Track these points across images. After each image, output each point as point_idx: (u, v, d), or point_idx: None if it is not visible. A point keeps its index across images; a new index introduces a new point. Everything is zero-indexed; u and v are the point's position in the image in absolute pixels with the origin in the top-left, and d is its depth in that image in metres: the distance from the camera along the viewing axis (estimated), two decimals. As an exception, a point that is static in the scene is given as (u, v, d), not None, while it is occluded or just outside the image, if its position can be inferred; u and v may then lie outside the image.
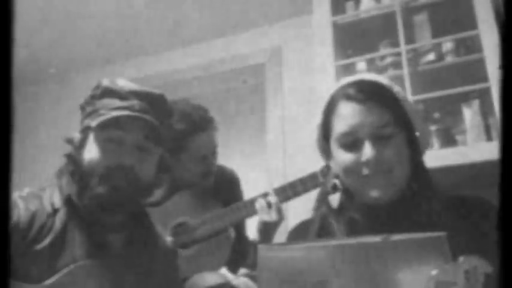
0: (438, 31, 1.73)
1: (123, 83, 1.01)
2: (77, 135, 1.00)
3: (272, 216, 1.34)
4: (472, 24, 1.62)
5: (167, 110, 1.07)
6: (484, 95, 1.60)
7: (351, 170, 0.79)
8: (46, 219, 0.92)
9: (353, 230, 0.80)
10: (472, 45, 1.69)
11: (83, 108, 1.03)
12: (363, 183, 0.79)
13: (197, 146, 1.49)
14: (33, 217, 0.91)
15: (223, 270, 1.32)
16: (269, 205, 1.36)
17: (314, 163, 1.31)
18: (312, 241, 0.81)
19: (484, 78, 1.55)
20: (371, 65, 1.84)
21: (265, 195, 1.39)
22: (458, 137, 1.68)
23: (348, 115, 0.79)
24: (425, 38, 1.75)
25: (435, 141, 1.68)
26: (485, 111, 1.63)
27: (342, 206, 0.83)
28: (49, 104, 3.06)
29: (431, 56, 1.75)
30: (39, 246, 0.89)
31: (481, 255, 0.45)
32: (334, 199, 0.84)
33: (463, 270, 0.44)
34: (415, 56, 1.77)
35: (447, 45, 1.73)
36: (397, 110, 0.80)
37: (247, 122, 3.54)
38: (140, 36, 2.63)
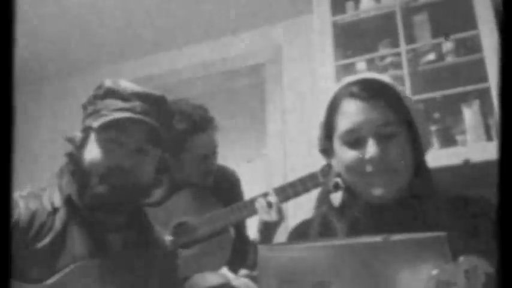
0: (438, 31, 1.73)
1: (126, 84, 1.02)
2: (78, 135, 1.01)
3: (272, 216, 1.34)
4: (472, 24, 1.62)
5: (168, 112, 1.07)
6: (484, 95, 1.60)
7: (354, 168, 0.79)
8: (46, 218, 0.93)
9: (355, 229, 0.80)
10: (472, 45, 1.69)
11: (84, 107, 1.04)
12: (365, 181, 0.78)
13: (197, 145, 1.49)
14: (33, 216, 0.91)
15: (224, 270, 1.32)
16: (269, 205, 1.35)
17: (314, 163, 1.31)
18: (313, 241, 0.81)
19: (484, 78, 1.56)
20: (371, 65, 1.84)
21: (265, 195, 1.39)
22: (458, 137, 1.68)
23: (351, 112, 0.80)
24: (425, 38, 1.75)
25: (435, 141, 1.68)
26: (485, 111, 1.63)
27: (343, 205, 0.82)
28: (49, 104, 3.06)
29: (431, 56, 1.75)
30: (39, 245, 0.89)
31: (482, 255, 0.45)
32: (336, 198, 0.83)
33: (463, 270, 0.44)
34: (415, 56, 1.78)
35: (447, 45, 1.73)
36: (401, 109, 0.80)
37: (247, 122, 3.54)
38: (140, 36, 2.63)
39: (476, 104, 1.64)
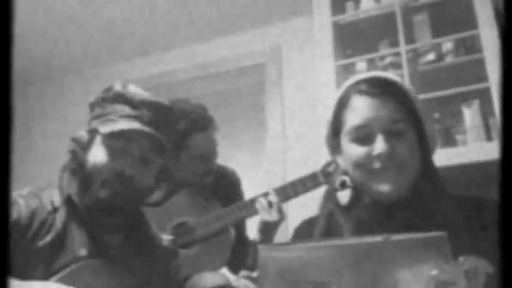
0: (438, 31, 1.73)
1: (135, 90, 1.02)
2: (84, 135, 1.01)
3: (273, 216, 1.34)
4: (472, 24, 1.62)
5: (174, 122, 1.09)
6: (484, 95, 1.60)
7: (362, 164, 0.79)
8: (47, 216, 0.93)
9: (361, 228, 0.79)
10: (472, 45, 1.69)
11: (92, 108, 1.04)
12: (373, 178, 0.78)
13: (197, 145, 1.49)
14: (33, 214, 0.92)
15: (224, 271, 1.32)
16: (270, 205, 1.36)
17: (314, 162, 1.31)
18: (314, 241, 0.81)
19: (484, 78, 1.55)
20: (371, 65, 1.84)
21: (265, 194, 1.39)
22: (458, 137, 1.68)
23: (361, 108, 0.79)
24: (425, 38, 1.75)
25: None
26: (485, 111, 1.63)
27: (351, 203, 0.82)
28: (49, 104, 3.06)
29: (431, 56, 1.75)
30: (40, 243, 0.89)
31: (484, 255, 0.45)
32: (342, 197, 0.83)
33: (463, 270, 0.44)
34: (415, 56, 1.77)
35: (447, 45, 1.73)
36: (409, 107, 0.80)
37: (247, 122, 3.54)
38: (140, 37, 2.63)
39: (476, 104, 1.64)
